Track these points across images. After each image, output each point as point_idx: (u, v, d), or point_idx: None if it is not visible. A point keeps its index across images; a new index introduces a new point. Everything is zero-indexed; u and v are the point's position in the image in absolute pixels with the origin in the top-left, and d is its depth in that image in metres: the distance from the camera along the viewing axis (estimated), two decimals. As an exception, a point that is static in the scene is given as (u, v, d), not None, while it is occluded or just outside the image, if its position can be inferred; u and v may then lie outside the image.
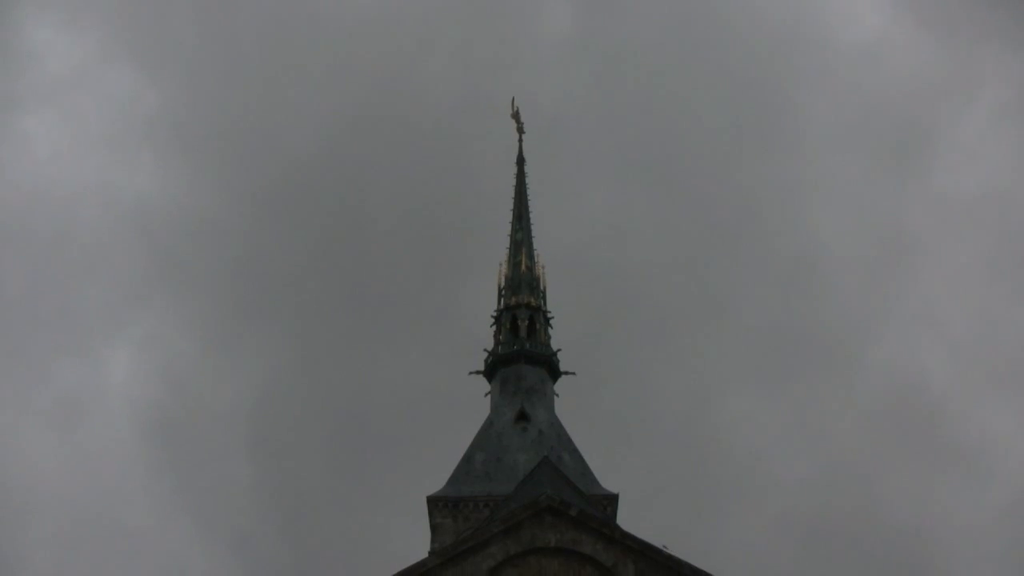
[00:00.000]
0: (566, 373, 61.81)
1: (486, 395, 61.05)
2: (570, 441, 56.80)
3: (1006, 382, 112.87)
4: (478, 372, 61.82)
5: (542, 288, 64.38)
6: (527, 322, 61.97)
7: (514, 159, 69.76)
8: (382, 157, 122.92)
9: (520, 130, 70.57)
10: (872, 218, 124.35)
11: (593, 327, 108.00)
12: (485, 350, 62.26)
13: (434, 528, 52.93)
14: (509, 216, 67.80)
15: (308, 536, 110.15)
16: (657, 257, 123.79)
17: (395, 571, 36.35)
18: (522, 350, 60.69)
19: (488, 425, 57.88)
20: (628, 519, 50.45)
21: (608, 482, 54.81)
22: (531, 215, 67.95)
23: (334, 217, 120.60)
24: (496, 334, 62.78)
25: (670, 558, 36.33)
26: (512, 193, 68.41)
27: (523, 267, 64.60)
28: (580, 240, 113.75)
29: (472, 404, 62.19)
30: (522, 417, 57.42)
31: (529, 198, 68.49)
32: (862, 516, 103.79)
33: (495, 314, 63.62)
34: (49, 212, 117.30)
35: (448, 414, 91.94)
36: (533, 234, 67.04)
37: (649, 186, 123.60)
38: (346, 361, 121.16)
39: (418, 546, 53.90)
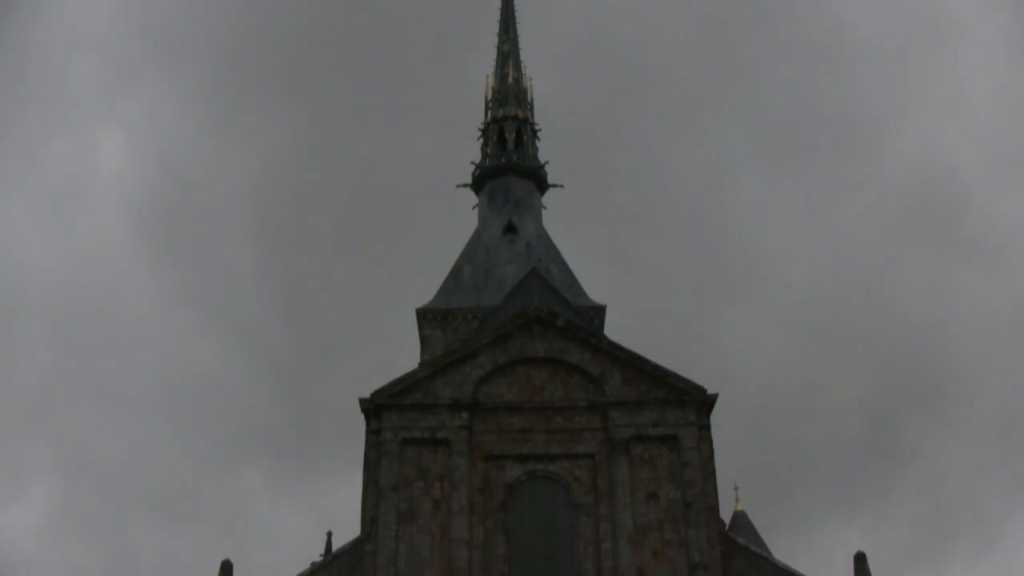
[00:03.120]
0: (553, 185, 61.77)
1: (474, 208, 61.10)
2: (558, 253, 57.10)
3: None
4: (465, 185, 61.74)
5: (529, 100, 63.77)
6: (514, 134, 61.59)
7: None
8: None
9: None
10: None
11: (595, 122, 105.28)
12: (472, 163, 62.00)
13: (424, 340, 53.51)
14: (496, 27, 66.83)
15: (310, 328, 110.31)
16: (669, 35, 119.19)
17: (386, 382, 37.29)
18: (509, 162, 60.47)
19: (476, 238, 58.05)
20: (616, 330, 51.20)
21: (596, 294, 55.42)
22: (518, 26, 66.87)
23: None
24: (483, 147, 62.43)
25: (656, 367, 37.09)
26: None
27: (510, 79, 63.81)
28: (583, 30, 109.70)
29: (460, 217, 62.38)
30: (510, 229, 57.58)
31: (516, 7, 67.37)
32: (874, 312, 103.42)
33: (482, 127, 63.14)
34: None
35: (436, 227, 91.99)
36: (520, 45, 66.09)
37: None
38: (345, 143, 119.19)
39: (408, 357, 54.80)
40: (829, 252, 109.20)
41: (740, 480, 50.66)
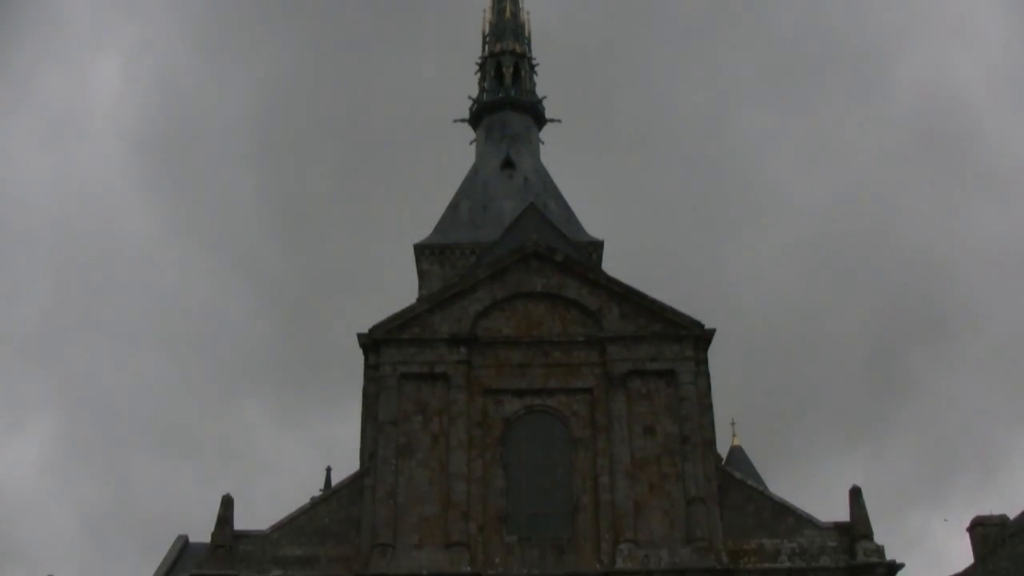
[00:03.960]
0: (551, 120, 61.40)
1: (471, 143, 60.77)
2: (555, 188, 56.88)
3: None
4: (463, 120, 61.36)
5: (527, 34, 63.17)
6: (512, 69, 61.09)
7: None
8: None
9: None
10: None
11: (595, 54, 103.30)
12: (470, 97, 61.54)
13: (422, 275, 53.44)
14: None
15: (311, 259, 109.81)
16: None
17: (385, 316, 37.29)
18: (507, 97, 60.04)
19: (473, 173, 57.77)
20: (615, 266, 51.07)
21: (594, 229, 55.29)
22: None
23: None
24: (481, 81, 61.93)
25: (653, 302, 37.12)
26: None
27: (507, 13, 63.15)
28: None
29: (457, 152, 62.06)
30: (507, 164, 57.26)
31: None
32: (879, 243, 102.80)
33: (479, 61, 62.60)
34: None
35: (433, 162, 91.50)
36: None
37: None
38: (343, 76, 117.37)
39: (406, 292, 54.77)
40: (835, 183, 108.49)
41: (738, 415, 50.99)
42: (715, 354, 37.12)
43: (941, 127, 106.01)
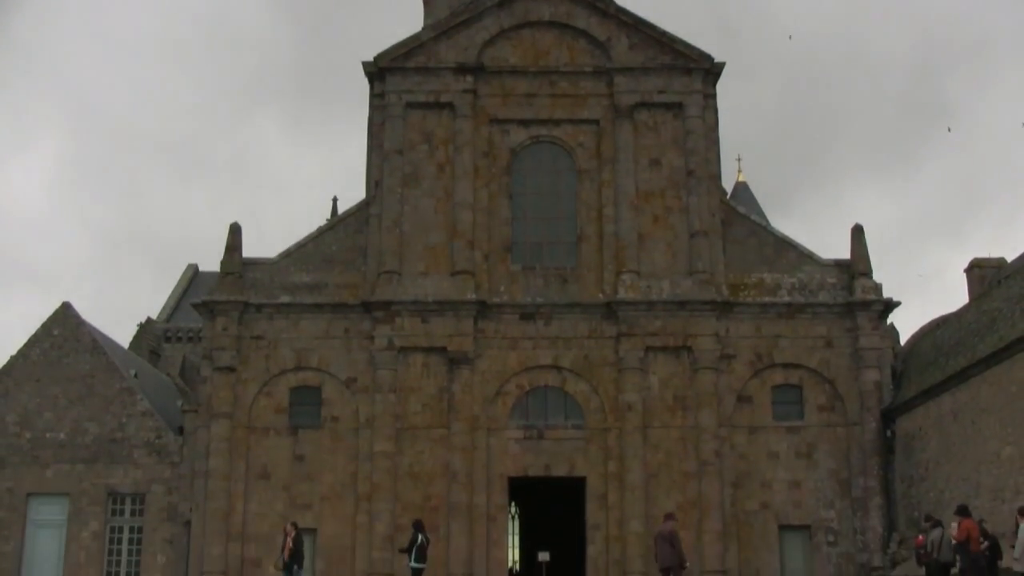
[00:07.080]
0: None
1: None
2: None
3: None
4: None
5: None
6: None
7: None
8: None
9: None
10: None
11: None
12: None
13: (427, 2, 52.16)
14: None
15: None
16: None
17: (390, 45, 36.71)
18: None
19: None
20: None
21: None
22: None
23: None
24: None
25: (663, 33, 36.37)
26: None
27: None
28: None
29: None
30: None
31: None
32: None
33: None
34: None
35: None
36: None
37: None
38: None
39: (412, 20, 53.56)
40: None
41: (752, 150, 50.85)
42: (737, 85, 36.74)
43: None
